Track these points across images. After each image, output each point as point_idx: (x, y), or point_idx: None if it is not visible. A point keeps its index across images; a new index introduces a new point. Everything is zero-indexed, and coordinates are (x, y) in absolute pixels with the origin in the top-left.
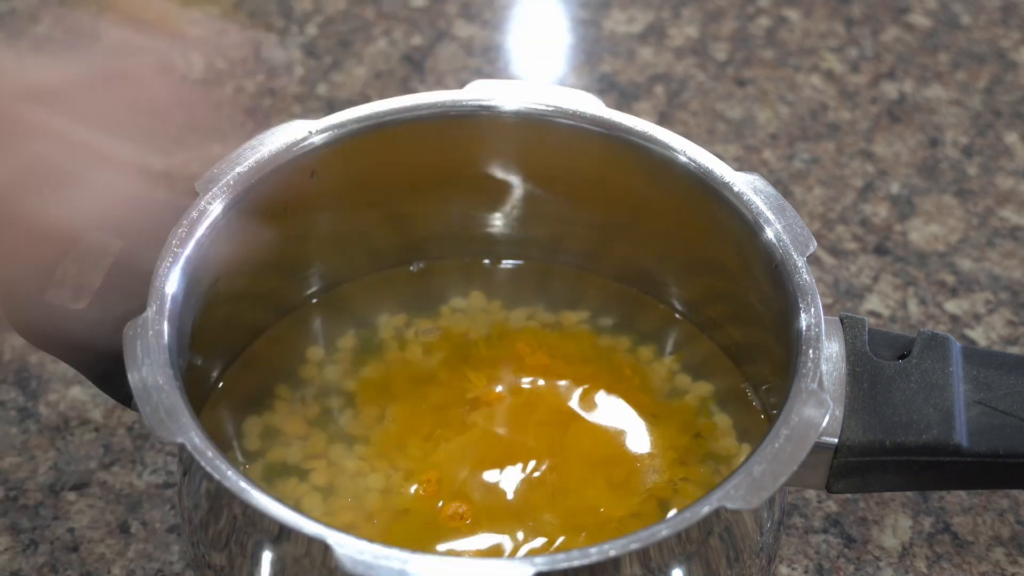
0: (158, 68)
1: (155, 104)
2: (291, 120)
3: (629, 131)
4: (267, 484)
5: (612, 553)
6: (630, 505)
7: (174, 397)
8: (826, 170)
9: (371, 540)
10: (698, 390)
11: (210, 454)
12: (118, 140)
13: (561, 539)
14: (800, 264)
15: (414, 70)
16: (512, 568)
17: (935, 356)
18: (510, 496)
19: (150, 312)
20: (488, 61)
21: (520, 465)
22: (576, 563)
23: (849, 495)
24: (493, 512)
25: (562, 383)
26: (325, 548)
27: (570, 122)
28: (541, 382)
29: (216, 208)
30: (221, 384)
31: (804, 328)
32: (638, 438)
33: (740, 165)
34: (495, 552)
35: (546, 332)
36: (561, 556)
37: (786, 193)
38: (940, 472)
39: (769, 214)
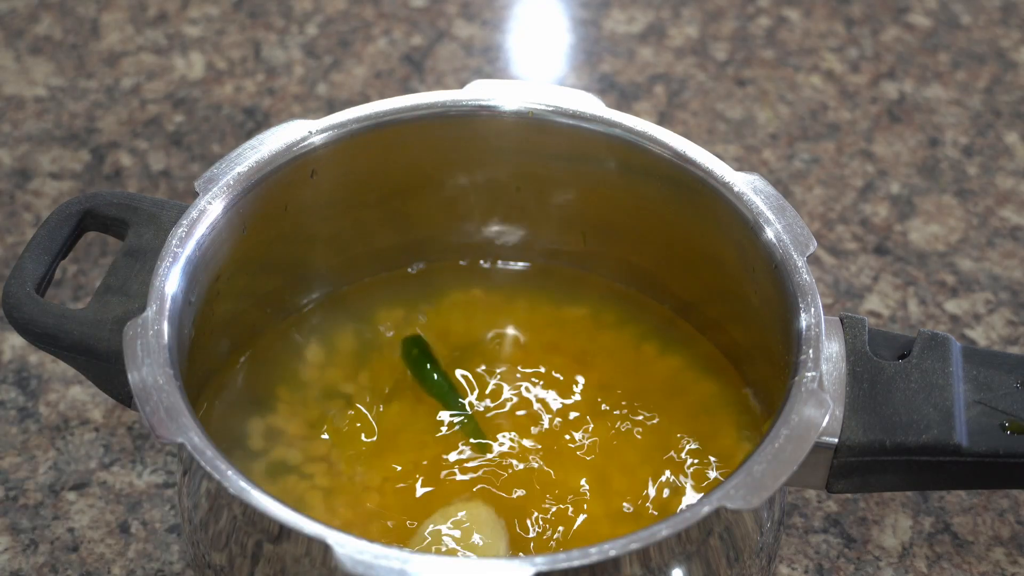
0: None
1: None
2: (291, 120)
3: (629, 131)
4: (266, 483)
5: (612, 553)
6: (630, 504)
7: (174, 397)
8: (826, 170)
9: (371, 540)
10: (699, 389)
11: (210, 454)
12: None
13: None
14: (800, 264)
15: (414, 70)
16: (512, 568)
17: (935, 356)
18: (510, 495)
19: (150, 312)
20: (488, 61)
21: (519, 465)
22: (576, 563)
23: (849, 495)
24: (493, 511)
25: (561, 383)
26: (325, 548)
27: (570, 122)
28: (540, 382)
29: (216, 208)
30: (221, 384)
31: (804, 328)
32: (638, 437)
33: (740, 165)
34: (496, 551)
35: (546, 332)
36: (561, 556)
37: (786, 193)
38: (940, 472)
39: (769, 214)
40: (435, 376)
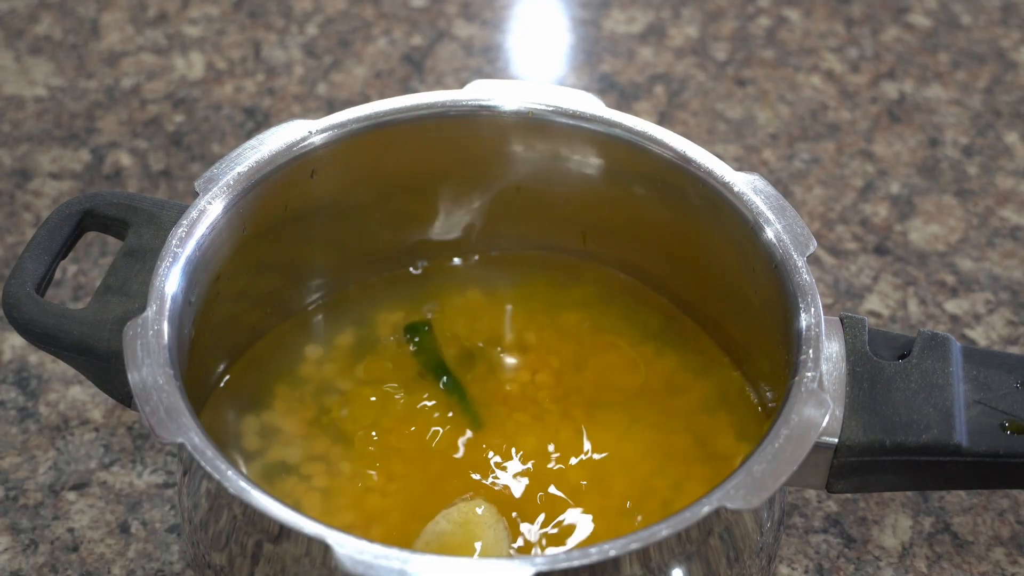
0: None
1: None
2: (291, 120)
3: (629, 131)
4: (266, 484)
5: (612, 553)
6: (629, 504)
7: (174, 397)
8: (826, 170)
9: (371, 540)
10: (698, 389)
11: (210, 454)
12: None
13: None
14: (800, 264)
15: (414, 70)
16: (512, 568)
17: (935, 356)
18: (511, 495)
19: (150, 312)
20: (488, 61)
21: (519, 464)
22: (576, 563)
23: (849, 495)
24: (495, 510)
25: (561, 382)
26: (325, 548)
27: (570, 122)
28: (539, 381)
29: (216, 208)
30: (221, 384)
31: (804, 328)
32: (638, 437)
33: (740, 165)
34: (498, 551)
35: (545, 331)
36: (561, 556)
37: (786, 193)
38: (940, 472)
39: (769, 214)
40: (435, 361)
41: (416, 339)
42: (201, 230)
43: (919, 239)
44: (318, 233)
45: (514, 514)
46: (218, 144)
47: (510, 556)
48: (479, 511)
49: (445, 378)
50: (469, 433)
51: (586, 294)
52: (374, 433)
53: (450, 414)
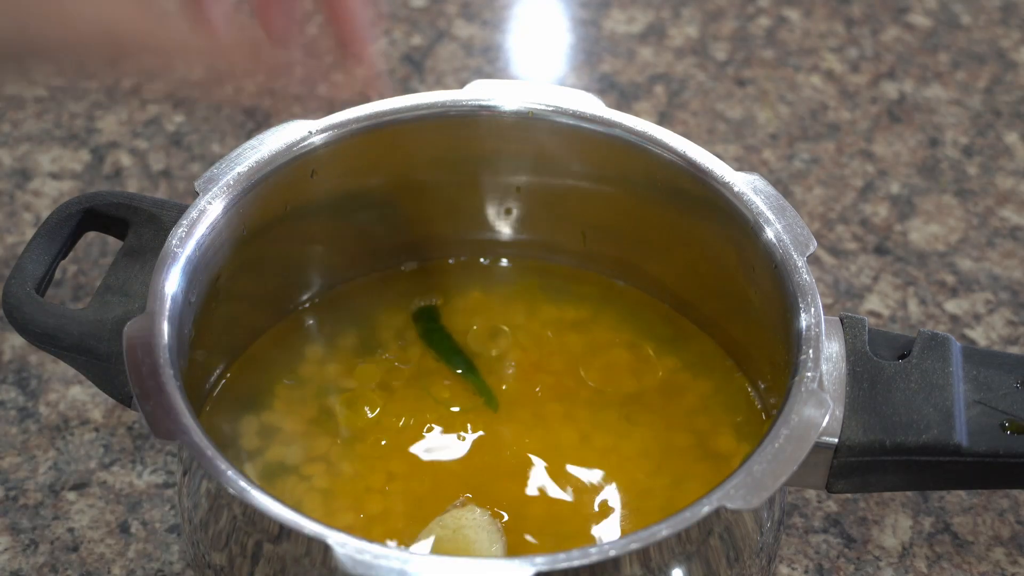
0: None
1: None
2: (291, 120)
3: (629, 131)
4: (266, 484)
5: (612, 553)
6: (629, 504)
7: (174, 397)
8: (826, 170)
9: (371, 540)
10: (698, 389)
11: (210, 454)
12: None
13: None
14: (800, 264)
15: (414, 70)
16: (512, 568)
17: (935, 356)
18: (511, 494)
19: (150, 312)
20: (488, 61)
21: (520, 464)
22: (576, 563)
23: (849, 495)
24: (493, 512)
25: (560, 382)
26: (325, 548)
27: (570, 122)
28: (538, 381)
29: (216, 208)
30: (221, 384)
31: (804, 328)
32: (638, 436)
33: (740, 165)
34: (493, 554)
35: (544, 331)
36: (561, 556)
37: (786, 193)
38: (940, 472)
39: (769, 214)
40: (445, 342)
41: (426, 323)
42: (201, 230)
43: (919, 239)
44: (318, 233)
45: (511, 513)
46: (218, 144)
47: (507, 557)
48: (472, 516)
49: (457, 359)
50: (469, 433)
51: (586, 293)
52: (374, 433)
53: (452, 409)
